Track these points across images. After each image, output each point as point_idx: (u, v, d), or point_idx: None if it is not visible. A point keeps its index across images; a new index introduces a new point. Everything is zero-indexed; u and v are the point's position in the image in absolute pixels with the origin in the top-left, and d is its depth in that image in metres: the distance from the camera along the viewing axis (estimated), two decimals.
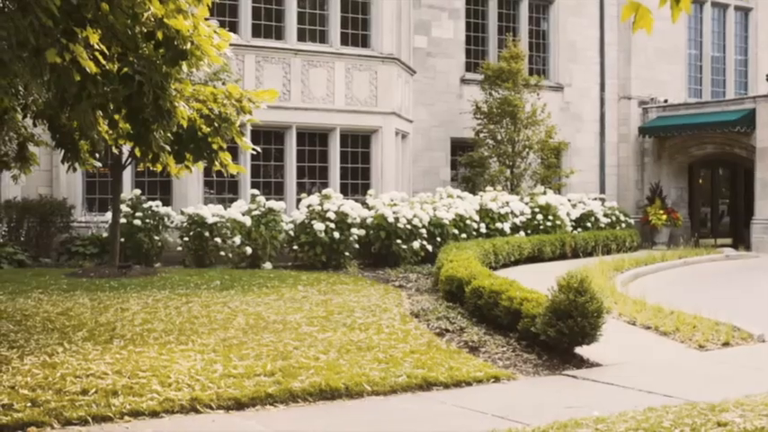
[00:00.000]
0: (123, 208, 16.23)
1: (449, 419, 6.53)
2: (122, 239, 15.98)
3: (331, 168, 19.44)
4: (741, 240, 25.50)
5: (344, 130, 19.57)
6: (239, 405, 6.68)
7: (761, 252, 23.01)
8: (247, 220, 16.78)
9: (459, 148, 23.70)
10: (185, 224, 16.75)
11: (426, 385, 7.40)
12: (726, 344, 9.45)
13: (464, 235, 18.66)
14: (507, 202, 20.57)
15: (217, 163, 11.50)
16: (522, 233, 20.23)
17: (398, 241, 17.17)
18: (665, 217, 24.79)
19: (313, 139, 19.46)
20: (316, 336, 9.15)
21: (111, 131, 9.98)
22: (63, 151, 11.10)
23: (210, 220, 16.53)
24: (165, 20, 7.43)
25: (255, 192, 17.69)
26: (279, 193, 18.97)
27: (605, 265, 17.01)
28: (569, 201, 23.02)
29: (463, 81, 23.89)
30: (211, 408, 6.58)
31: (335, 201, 17.21)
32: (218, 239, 16.56)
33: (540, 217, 21.01)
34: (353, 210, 17.17)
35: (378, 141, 19.83)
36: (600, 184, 26.05)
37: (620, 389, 7.44)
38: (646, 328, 10.34)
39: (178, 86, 8.85)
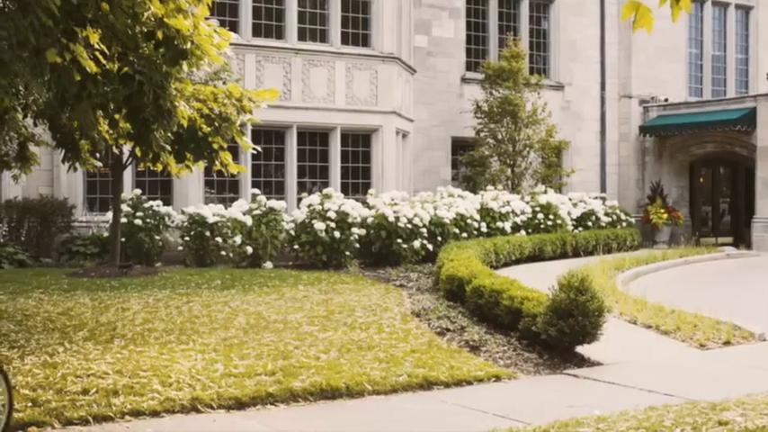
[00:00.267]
0: (124, 208, 16.23)
1: (450, 419, 6.52)
2: (123, 239, 15.99)
3: (331, 168, 19.44)
4: (742, 239, 25.48)
5: (345, 130, 19.57)
6: (240, 405, 6.68)
7: (762, 251, 23.00)
8: (248, 220, 16.78)
9: (460, 147, 23.70)
10: (186, 224, 16.75)
11: (427, 384, 7.40)
12: (727, 343, 9.45)
13: (465, 234, 18.65)
14: (508, 202, 20.57)
15: (217, 162, 11.49)
16: (522, 232, 20.21)
17: (399, 240, 17.17)
18: (665, 216, 24.78)
19: (313, 139, 19.45)
20: (316, 335, 9.15)
21: (111, 131, 9.99)
22: (63, 151, 11.10)
23: (211, 219, 16.53)
24: (166, 19, 7.43)
25: (256, 191, 17.69)
26: (279, 192, 18.97)
27: (606, 264, 17.01)
28: (570, 200, 23.01)
29: (464, 80, 23.88)
30: (212, 407, 6.59)
31: (336, 200, 17.21)
32: (218, 239, 16.56)
33: (540, 216, 21.00)
34: (354, 209, 17.17)
35: (378, 141, 19.83)
36: (601, 183, 26.05)
37: (621, 388, 7.44)
38: (647, 327, 10.34)
39: (178, 86, 8.85)
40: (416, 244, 17.42)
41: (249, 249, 16.70)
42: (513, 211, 20.42)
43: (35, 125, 10.36)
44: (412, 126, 21.75)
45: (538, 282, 10.95)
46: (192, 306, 11.05)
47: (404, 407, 6.83)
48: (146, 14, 7.34)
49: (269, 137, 18.83)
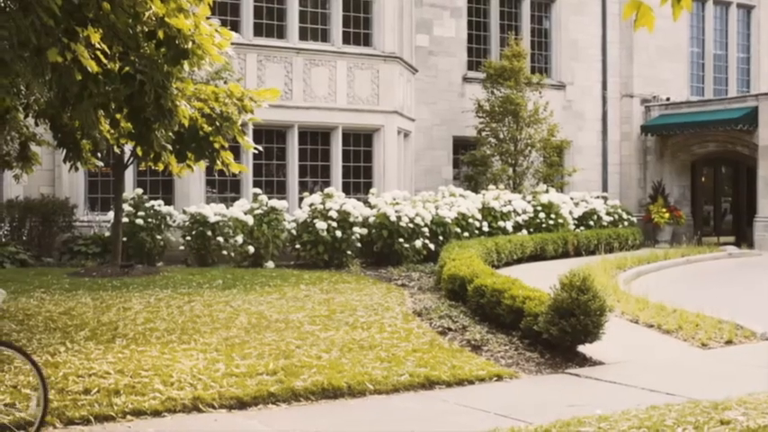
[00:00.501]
0: (125, 207, 16.23)
1: (451, 418, 6.52)
2: (125, 239, 15.99)
3: (333, 167, 19.44)
4: (744, 238, 25.46)
5: (346, 129, 19.57)
6: (241, 404, 6.68)
7: (763, 250, 22.98)
8: (250, 219, 16.78)
9: (462, 146, 23.69)
10: (187, 223, 16.75)
11: (429, 384, 7.39)
12: (729, 342, 9.43)
13: (466, 233, 18.65)
14: (510, 201, 20.56)
15: (219, 162, 11.50)
16: (524, 231, 20.21)
17: (401, 240, 17.17)
18: (667, 215, 24.77)
19: (315, 138, 19.45)
20: (318, 335, 9.14)
21: (112, 131, 10.00)
22: (65, 151, 11.12)
23: (213, 219, 16.54)
24: (167, 19, 7.43)
25: (258, 191, 17.68)
26: (281, 191, 18.97)
27: (608, 263, 17.01)
28: (572, 199, 23.01)
29: (465, 79, 23.87)
30: (213, 407, 6.58)
31: (338, 199, 17.22)
32: (220, 238, 16.56)
33: (542, 215, 21.00)
34: (356, 208, 17.17)
35: (380, 140, 19.82)
36: (602, 183, 26.04)
37: (623, 387, 7.43)
38: (648, 327, 10.33)
39: (179, 85, 8.86)
40: (418, 243, 17.42)
41: (251, 249, 16.70)
42: (514, 211, 20.42)
43: (36, 125, 10.38)
44: (413, 125, 21.74)
45: (539, 281, 10.94)
46: (193, 306, 11.05)
47: (405, 406, 6.83)
48: (147, 14, 7.34)
49: (270, 136, 18.83)
